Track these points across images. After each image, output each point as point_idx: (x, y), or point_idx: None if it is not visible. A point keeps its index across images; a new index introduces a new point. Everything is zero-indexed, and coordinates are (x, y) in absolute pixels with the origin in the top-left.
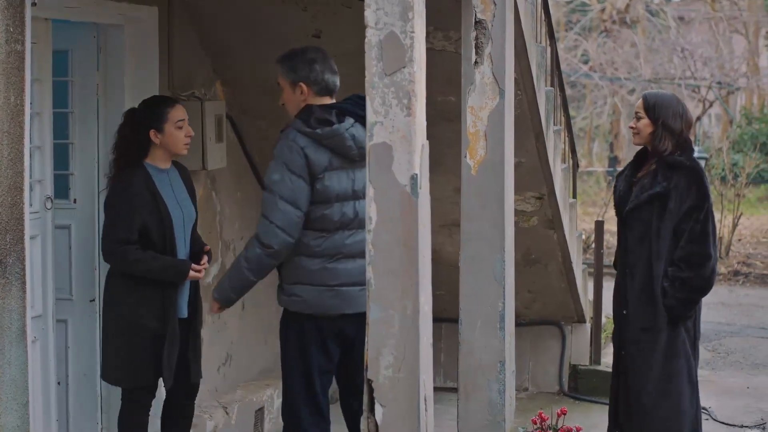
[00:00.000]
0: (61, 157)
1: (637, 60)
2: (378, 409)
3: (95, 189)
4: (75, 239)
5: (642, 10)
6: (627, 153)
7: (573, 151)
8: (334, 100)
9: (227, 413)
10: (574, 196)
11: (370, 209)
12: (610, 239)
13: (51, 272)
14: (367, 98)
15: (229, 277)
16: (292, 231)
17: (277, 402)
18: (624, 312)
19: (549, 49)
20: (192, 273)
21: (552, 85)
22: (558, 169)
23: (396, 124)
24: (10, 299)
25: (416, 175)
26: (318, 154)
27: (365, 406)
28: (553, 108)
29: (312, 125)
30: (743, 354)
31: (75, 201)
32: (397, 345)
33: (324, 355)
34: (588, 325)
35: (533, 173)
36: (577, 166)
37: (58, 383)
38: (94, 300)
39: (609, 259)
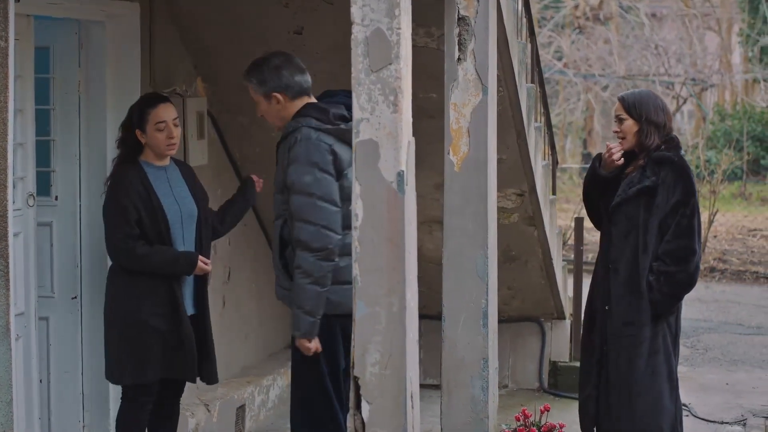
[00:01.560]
0: (42, 154)
1: (611, 57)
2: (364, 406)
3: (77, 186)
4: (56, 236)
5: (615, 6)
6: (600, 149)
7: (552, 147)
8: (313, 99)
9: (209, 411)
10: (554, 193)
11: (356, 206)
12: (586, 236)
13: (33, 270)
14: (354, 95)
15: (298, 305)
16: (336, 228)
17: (258, 399)
18: (606, 307)
19: (529, 46)
20: (200, 264)
21: (532, 81)
22: (539, 166)
23: (382, 121)
24: None
25: (403, 171)
26: (343, 151)
27: (351, 403)
28: (534, 105)
29: (332, 122)
30: (721, 350)
31: (56, 198)
32: (384, 342)
33: (348, 356)
34: (567, 321)
35: (514, 170)
36: (557, 162)
37: (40, 381)
38: (75, 297)
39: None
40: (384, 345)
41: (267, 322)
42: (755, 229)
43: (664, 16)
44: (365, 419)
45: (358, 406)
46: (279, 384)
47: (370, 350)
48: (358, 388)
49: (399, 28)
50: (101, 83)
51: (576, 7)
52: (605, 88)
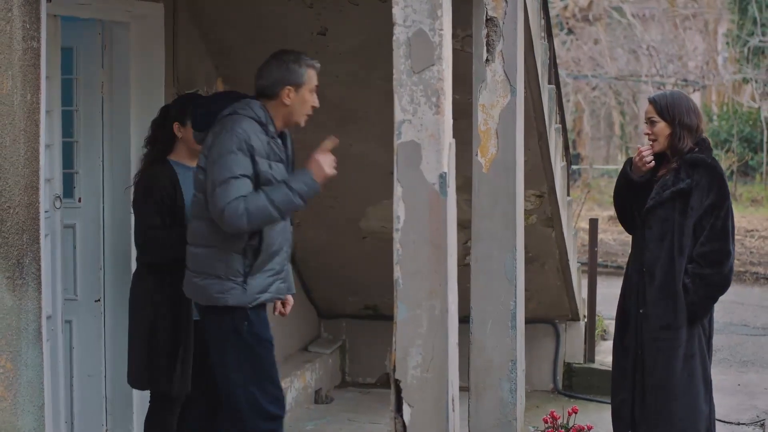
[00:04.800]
0: (65, 155)
1: (602, 58)
2: (406, 409)
3: (100, 188)
4: (80, 239)
5: (604, 6)
6: (589, 150)
7: (567, 149)
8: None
9: None
10: (568, 194)
11: (398, 208)
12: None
13: (60, 272)
14: (395, 96)
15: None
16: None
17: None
18: (641, 311)
19: (548, 47)
20: None
21: (550, 82)
22: (558, 167)
23: (425, 123)
24: (26, 300)
25: (445, 173)
26: None
27: (392, 406)
28: (554, 106)
29: None
30: (730, 352)
31: (80, 200)
32: (425, 345)
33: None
34: (582, 323)
35: (534, 171)
36: (570, 163)
37: None
38: (99, 300)
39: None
40: (425, 348)
41: (282, 325)
42: (752, 230)
43: (648, 17)
44: (407, 422)
45: (399, 410)
46: (296, 386)
47: (411, 353)
48: (399, 391)
49: (441, 29)
50: (125, 84)
51: (565, 7)
52: (594, 88)
